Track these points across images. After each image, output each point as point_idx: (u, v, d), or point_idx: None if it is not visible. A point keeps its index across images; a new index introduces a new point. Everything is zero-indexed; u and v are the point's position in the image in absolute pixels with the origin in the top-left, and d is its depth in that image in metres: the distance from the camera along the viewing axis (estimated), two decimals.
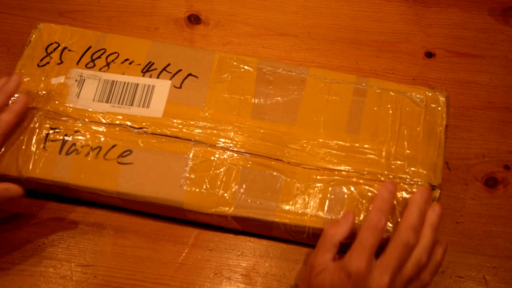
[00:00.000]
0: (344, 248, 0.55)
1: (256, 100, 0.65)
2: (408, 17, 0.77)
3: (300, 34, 0.76)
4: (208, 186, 0.61)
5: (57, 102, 0.64)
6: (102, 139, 0.63)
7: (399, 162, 0.61)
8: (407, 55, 0.74)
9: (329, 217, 0.59)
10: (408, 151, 0.62)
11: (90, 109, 0.64)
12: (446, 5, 0.77)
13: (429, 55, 0.74)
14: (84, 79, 0.66)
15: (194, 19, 0.77)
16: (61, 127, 0.63)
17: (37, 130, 0.63)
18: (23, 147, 0.62)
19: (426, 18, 0.77)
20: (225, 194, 0.60)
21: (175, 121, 0.63)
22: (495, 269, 0.63)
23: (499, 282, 0.62)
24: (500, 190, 0.66)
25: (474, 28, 0.76)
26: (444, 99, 0.64)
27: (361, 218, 0.59)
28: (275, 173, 0.61)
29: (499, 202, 0.66)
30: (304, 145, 0.62)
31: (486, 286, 0.62)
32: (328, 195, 0.60)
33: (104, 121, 0.64)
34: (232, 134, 0.63)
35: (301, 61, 0.74)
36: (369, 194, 0.60)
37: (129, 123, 0.63)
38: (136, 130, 0.63)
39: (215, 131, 0.63)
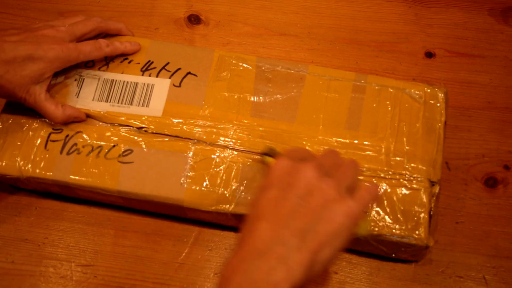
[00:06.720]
0: None
1: (255, 98, 0.65)
2: (408, 17, 0.77)
3: (300, 34, 0.76)
4: (208, 184, 0.61)
5: None
6: (103, 138, 0.63)
7: (398, 158, 0.61)
8: (407, 55, 0.74)
9: None
10: (407, 147, 0.62)
11: (90, 109, 0.64)
12: (446, 5, 0.78)
13: (429, 55, 0.74)
14: (84, 79, 0.66)
15: (194, 19, 0.77)
16: (62, 128, 0.63)
17: (38, 131, 0.63)
18: (24, 147, 0.62)
19: (426, 18, 0.77)
20: (225, 192, 0.60)
21: (175, 120, 0.63)
22: (495, 269, 0.62)
23: (499, 282, 0.62)
24: (500, 190, 0.66)
25: (474, 28, 0.76)
26: (442, 95, 0.64)
27: None
28: None
29: (499, 202, 0.66)
30: (304, 142, 0.62)
31: (486, 286, 0.62)
32: None
33: (104, 120, 0.64)
34: (231, 132, 0.63)
35: (301, 61, 0.74)
36: None
37: (129, 123, 0.63)
38: (136, 129, 0.63)
39: (214, 130, 0.63)
